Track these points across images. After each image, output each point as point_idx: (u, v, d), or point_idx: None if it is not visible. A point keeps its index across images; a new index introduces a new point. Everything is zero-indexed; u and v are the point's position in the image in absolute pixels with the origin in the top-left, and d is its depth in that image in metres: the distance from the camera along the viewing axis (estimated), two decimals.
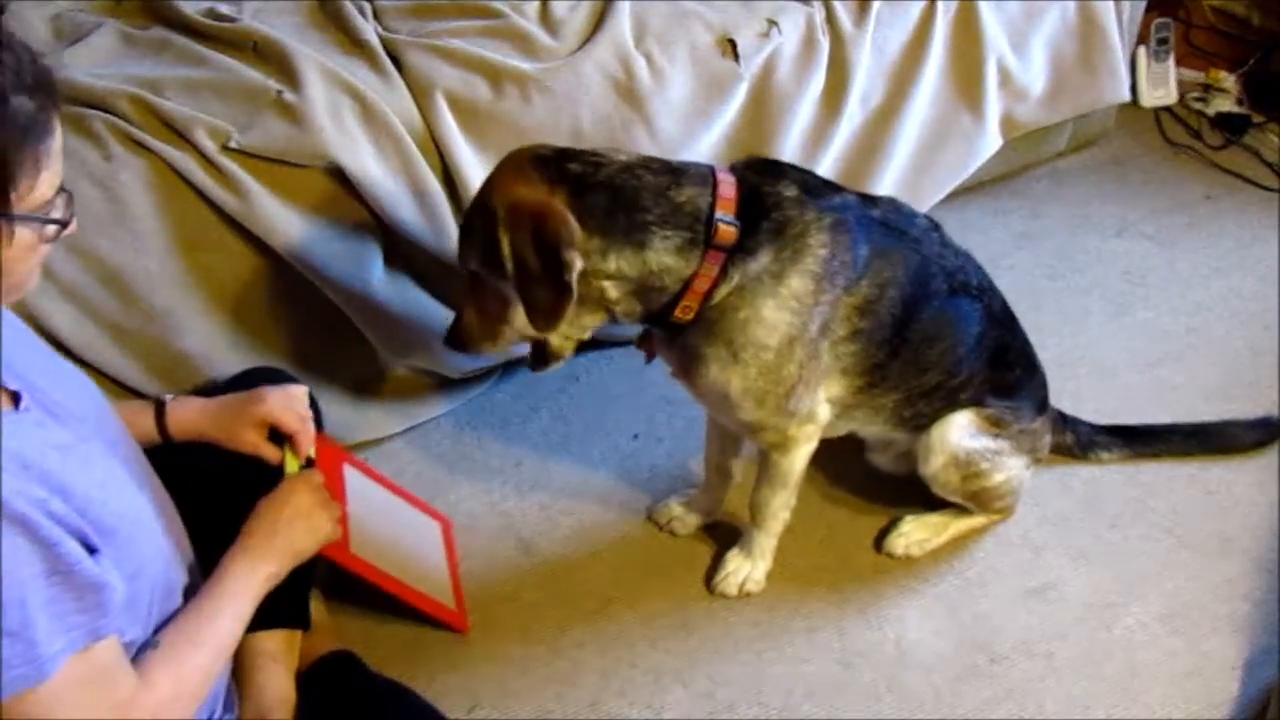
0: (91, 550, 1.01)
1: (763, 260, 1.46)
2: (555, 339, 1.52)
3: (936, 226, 1.67)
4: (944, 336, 1.64)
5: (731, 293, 1.46)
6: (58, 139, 0.98)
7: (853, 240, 1.51)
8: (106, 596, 1.01)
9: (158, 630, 1.17)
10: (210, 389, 1.76)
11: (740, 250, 1.45)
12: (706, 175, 1.47)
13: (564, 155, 1.42)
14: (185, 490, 1.34)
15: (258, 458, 1.46)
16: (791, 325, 1.49)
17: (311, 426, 1.51)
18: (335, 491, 1.52)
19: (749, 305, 1.47)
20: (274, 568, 1.31)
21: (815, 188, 1.54)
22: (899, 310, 1.57)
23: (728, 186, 1.46)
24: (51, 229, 1.00)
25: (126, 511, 1.10)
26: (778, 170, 1.54)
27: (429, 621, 1.71)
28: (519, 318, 1.46)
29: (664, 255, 1.43)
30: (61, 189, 1.00)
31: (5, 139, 0.91)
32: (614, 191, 1.40)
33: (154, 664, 1.12)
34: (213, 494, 1.40)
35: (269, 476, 1.43)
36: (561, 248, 1.36)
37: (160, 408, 1.46)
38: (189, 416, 1.46)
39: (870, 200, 1.61)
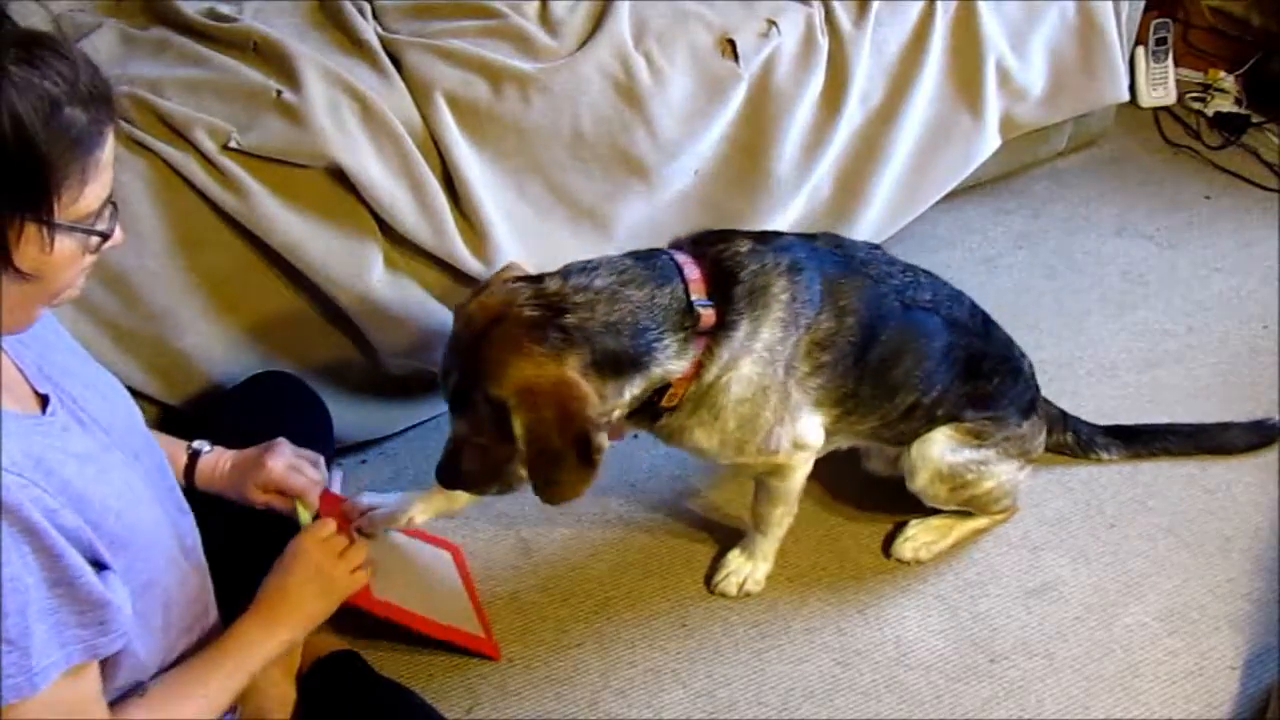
0: (101, 567, 1.01)
1: (743, 329, 1.45)
2: None
3: (876, 247, 1.68)
4: (906, 354, 1.63)
5: (720, 371, 1.45)
6: (108, 152, 0.98)
7: (809, 278, 1.51)
8: (110, 615, 1.01)
9: (180, 658, 1.18)
10: (217, 396, 1.78)
11: (722, 328, 1.44)
12: (670, 263, 1.45)
13: (553, 310, 1.34)
14: (216, 516, 1.35)
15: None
16: (763, 375, 1.49)
17: (318, 481, 1.48)
18: (349, 537, 1.47)
19: (731, 371, 1.47)
20: (287, 635, 1.30)
21: (761, 236, 1.54)
22: (857, 336, 1.56)
23: (691, 268, 1.45)
24: (94, 240, 0.99)
25: (141, 524, 1.10)
26: (724, 235, 1.53)
27: (462, 652, 1.69)
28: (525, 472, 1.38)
29: (668, 364, 1.40)
30: (108, 200, 0.99)
31: (54, 149, 0.91)
32: (616, 329, 1.36)
33: (133, 710, 1.12)
34: (240, 521, 1.41)
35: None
36: (592, 433, 1.30)
37: (194, 459, 1.47)
38: (210, 475, 1.47)
39: (810, 237, 1.62)
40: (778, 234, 1.58)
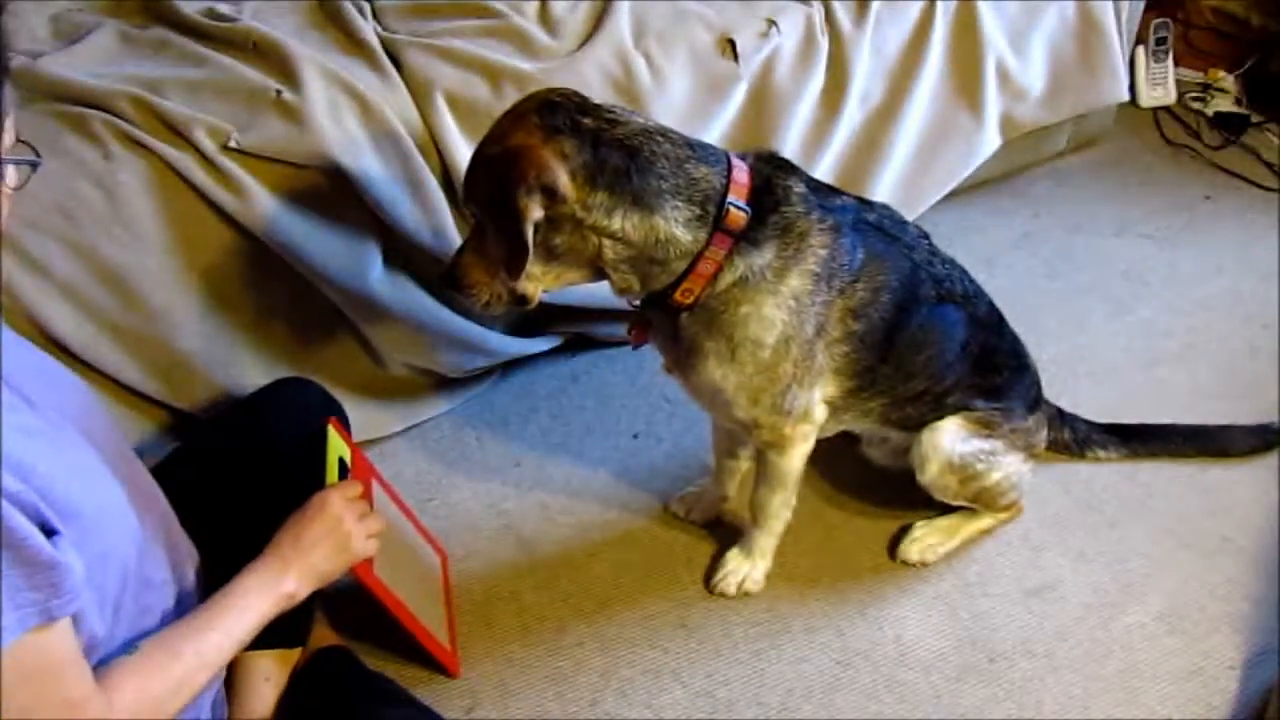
0: (50, 533, 0.99)
1: (766, 255, 1.46)
2: (531, 287, 1.48)
3: (925, 235, 1.68)
4: (931, 343, 1.64)
5: (735, 283, 1.45)
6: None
7: (851, 243, 1.52)
8: (61, 577, 0.98)
9: (139, 636, 1.15)
10: (232, 404, 1.77)
11: (746, 240, 1.44)
12: (722, 157, 1.47)
13: (581, 108, 1.39)
14: (214, 497, 1.35)
15: (293, 469, 1.45)
16: (788, 324, 1.49)
17: None
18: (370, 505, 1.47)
19: (750, 301, 1.47)
20: (292, 588, 1.27)
21: (820, 188, 1.55)
22: (890, 314, 1.57)
23: (742, 172, 1.46)
24: (26, 171, 1.01)
25: (94, 498, 1.08)
26: (788, 166, 1.54)
27: (421, 657, 1.65)
28: None
29: (673, 225, 1.41)
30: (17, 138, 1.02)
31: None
32: (629, 152, 1.38)
33: (123, 670, 1.09)
34: (243, 501, 1.40)
35: (301, 483, 1.41)
36: (526, 199, 1.33)
37: None
38: None
39: (867, 204, 1.62)
40: (839, 192, 1.58)
